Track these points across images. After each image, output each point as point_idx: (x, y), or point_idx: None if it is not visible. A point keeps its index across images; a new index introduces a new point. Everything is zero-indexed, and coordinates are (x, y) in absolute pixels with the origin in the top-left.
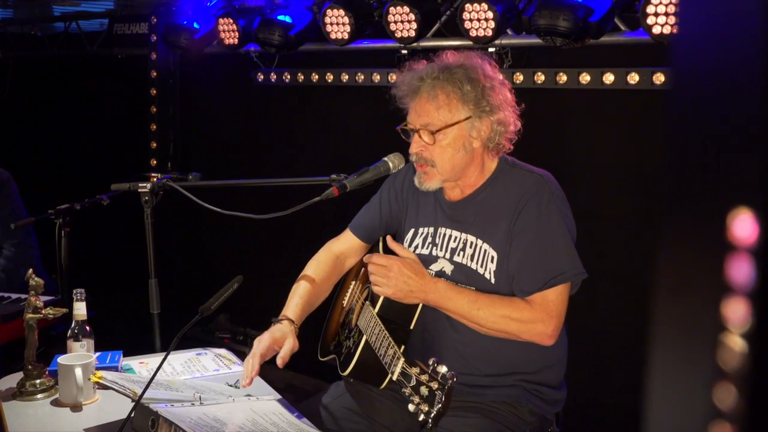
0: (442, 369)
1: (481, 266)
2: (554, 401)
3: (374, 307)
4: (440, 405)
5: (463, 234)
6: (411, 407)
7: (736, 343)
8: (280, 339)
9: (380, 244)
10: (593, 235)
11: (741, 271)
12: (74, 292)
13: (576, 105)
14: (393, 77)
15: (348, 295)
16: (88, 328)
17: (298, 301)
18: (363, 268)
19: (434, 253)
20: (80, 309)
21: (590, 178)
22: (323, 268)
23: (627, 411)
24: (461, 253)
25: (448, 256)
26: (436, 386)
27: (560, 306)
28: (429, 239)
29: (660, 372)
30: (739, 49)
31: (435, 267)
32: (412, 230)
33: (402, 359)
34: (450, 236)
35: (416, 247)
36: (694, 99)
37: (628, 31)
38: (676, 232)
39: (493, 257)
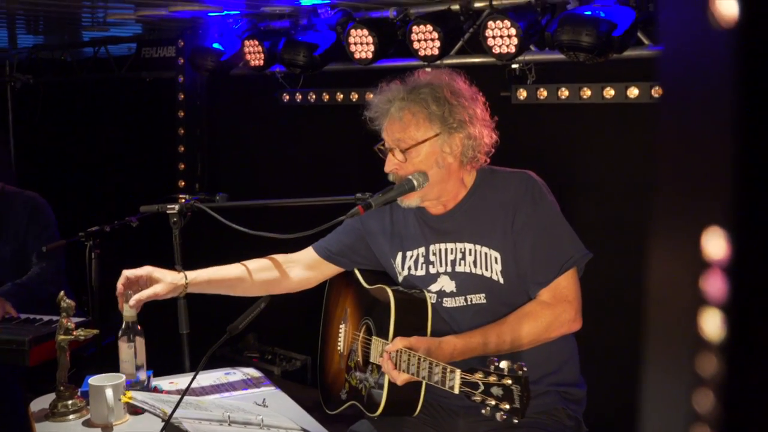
0: (505, 364)
1: (487, 270)
2: (579, 400)
3: (387, 338)
4: (524, 396)
5: (457, 244)
6: (485, 411)
7: (713, 352)
8: (155, 279)
9: (358, 275)
10: (619, 246)
11: (715, 285)
12: (125, 295)
13: (601, 119)
14: None
15: (341, 340)
16: (139, 327)
17: (212, 270)
18: (348, 309)
19: (432, 271)
20: (129, 311)
21: (616, 191)
22: (262, 265)
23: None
24: (462, 262)
25: (449, 269)
26: (510, 382)
27: (574, 289)
28: (422, 260)
29: (649, 378)
30: (713, 76)
31: (434, 287)
32: (400, 254)
33: (458, 371)
34: (445, 250)
35: (409, 269)
36: (677, 117)
37: (651, 45)
38: (662, 246)
39: (496, 258)
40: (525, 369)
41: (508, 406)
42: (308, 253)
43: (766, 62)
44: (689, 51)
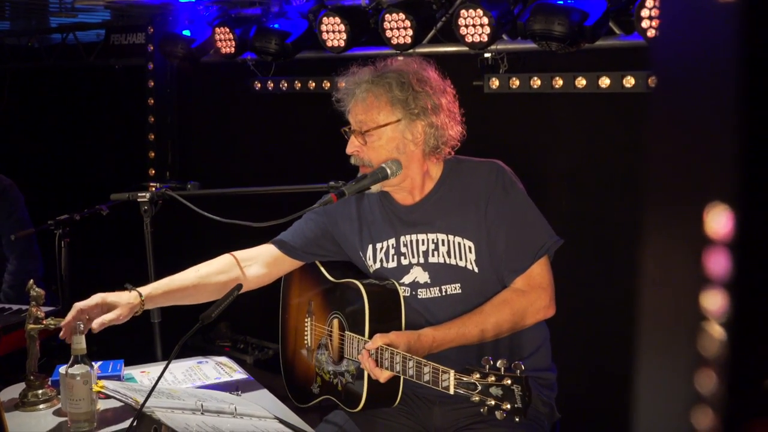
0: (502, 363)
1: (461, 259)
2: (551, 385)
3: (364, 334)
4: (525, 395)
5: (429, 234)
6: (483, 410)
7: (715, 331)
8: (111, 304)
9: (322, 268)
10: (591, 236)
11: (718, 263)
12: (75, 325)
13: (572, 109)
14: None
15: (308, 333)
16: (89, 363)
17: (165, 282)
18: (313, 303)
19: (404, 262)
20: (79, 343)
21: (587, 181)
22: (217, 267)
23: (617, 398)
24: (435, 253)
25: (422, 260)
26: (509, 382)
27: (547, 276)
28: (392, 251)
29: (646, 360)
30: (714, 52)
31: (407, 279)
32: (370, 246)
33: (452, 372)
34: (417, 240)
35: (381, 261)
36: (673, 100)
37: (623, 35)
38: (658, 226)
39: (470, 247)
40: (523, 368)
41: (509, 406)
42: (266, 249)
43: None
44: (689, 28)
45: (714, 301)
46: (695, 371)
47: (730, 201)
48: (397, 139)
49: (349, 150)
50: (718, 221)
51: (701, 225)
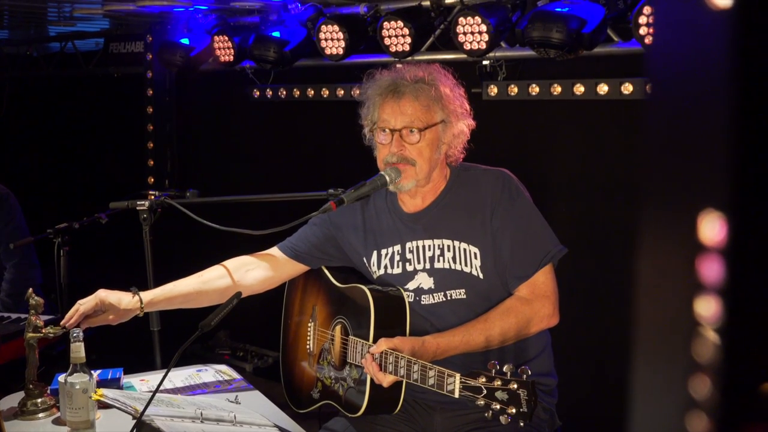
0: (509, 368)
1: (466, 265)
2: (551, 390)
3: (368, 339)
4: (531, 400)
5: (435, 240)
6: (488, 414)
7: (709, 337)
8: (109, 303)
9: (327, 273)
10: (590, 242)
11: (712, 270)
12: (71, 332)
13: (571, 116)
14: None
15: (310, 338)
16: (88, 372)
17: (168, 288)
18: (316, 308)
19: (408, 269)
20: (78, 351)
21: (586, 188)
22: (220, 272)
23: (619, 406)
24: (440, 258)
25: (427, 266)
26: (515, 386)
27: (551, 284)
28: (398, 257)
29: (641, 366)
30: (708, 60)
31: (411, 285)
32: (375, 253)
33: (457, 375)
34: (423, 247)
35: (385, 268)
36: (667, 107)
37: (621, 42)
38: (653, 234)
39: (475, 253)
40: (530, 372)
41: (514, 410)
42: (272, 253)
43: (763, 43)
44: (683, 35)
45: (708, 307)
46: (690, 377)
47: (723, 208)
48: (437, 139)
49: (394, 149)
50: (712, 228)
51: (695, 231)
